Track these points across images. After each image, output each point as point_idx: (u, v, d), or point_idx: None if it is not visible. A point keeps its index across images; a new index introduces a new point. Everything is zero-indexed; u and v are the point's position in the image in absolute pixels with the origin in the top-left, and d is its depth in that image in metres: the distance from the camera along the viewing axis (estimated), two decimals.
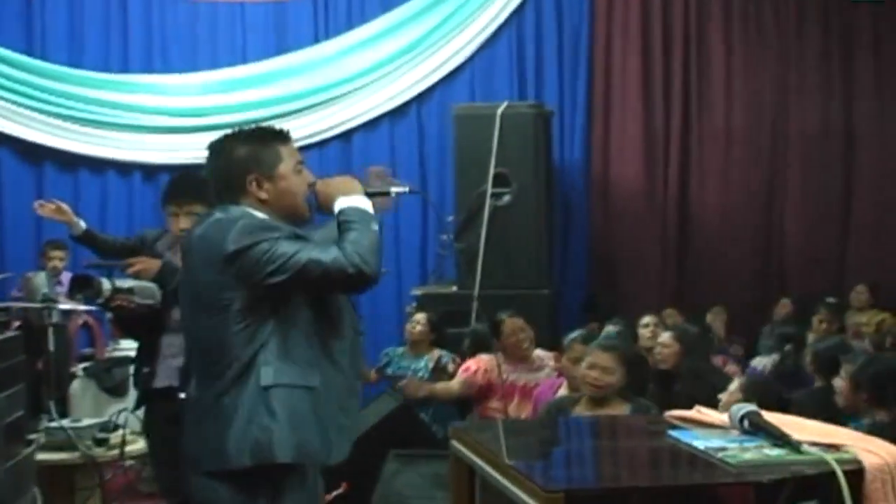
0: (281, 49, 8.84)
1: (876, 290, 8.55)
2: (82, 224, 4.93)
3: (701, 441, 2.38)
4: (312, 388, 2.68)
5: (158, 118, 8.52)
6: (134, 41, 8.73)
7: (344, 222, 2.69)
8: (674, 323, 6.80)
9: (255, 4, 8.83)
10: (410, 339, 6.58)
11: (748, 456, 2.25)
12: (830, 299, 7.37)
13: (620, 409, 4.35)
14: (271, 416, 2.63)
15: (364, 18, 8.85)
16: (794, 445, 2.28)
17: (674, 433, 2.49)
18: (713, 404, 4.17)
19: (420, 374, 6.35)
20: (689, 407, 2.80)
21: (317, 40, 8.87)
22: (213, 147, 2.88)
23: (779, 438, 2.33)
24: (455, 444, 2.76)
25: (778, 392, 4.55)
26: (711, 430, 2.51)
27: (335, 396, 2.72)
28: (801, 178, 8.95)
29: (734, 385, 4.41)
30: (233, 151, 2.81)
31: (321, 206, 2.83)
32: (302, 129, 8.56)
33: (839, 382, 4.59)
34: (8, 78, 8.36)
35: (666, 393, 5.08)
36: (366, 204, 2.73)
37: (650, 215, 8.89)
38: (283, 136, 2.86)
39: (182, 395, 4.06)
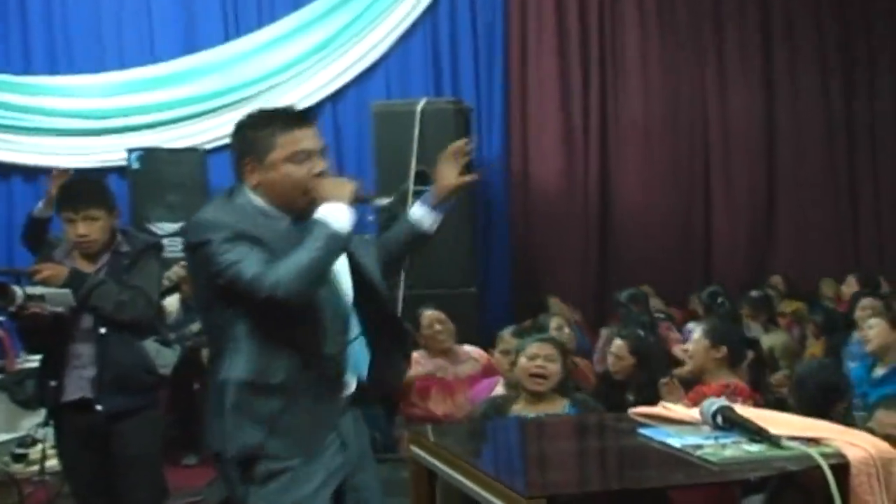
0: (190, 48, 8.61)
1: (791, 280, 8.72)
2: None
3: (675, 439, 2.31)
4: (273, 386, 2.63)
5: (65, 121, 8.22)
6: (35, 40, 8.41)
7: (306, 233, 2.60)
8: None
9: (161, 1, 8.59)
10: None
11: (728, 453, 2.18)
12: (753, 293, 7.45)
13: (559, 406, 4.31)
14: (223, 410, 2.65)
15: (274, 16, 8.68)
16: (773, 440, 2.23)
17: (645, 431, 2.42)
18: None
19: None
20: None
21: (227, 39, 8.66)
22: (236, 127, 2.83)
23: (756, 433, 2.28)
24: (414, 448, 2.66)
25: (741, 332, 4.56)
26: (683, 427, 2.45)
27: (302, 398, 2.64)
28: (723, 170, 9.06)
29: (698, 333, 4.38)
30: (240, 132, 2.76)
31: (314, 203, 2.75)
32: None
33: None
34: None
35: (618, 398, 5.02)
36: (338, 216, 2.58)
37: (571, 211, 8.89)
38: (285, 121, 2.71)
39: (99, 407, 3.91)
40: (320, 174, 2.68)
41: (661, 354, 5.55)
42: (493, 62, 8.86)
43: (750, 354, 4.88)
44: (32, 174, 8.26)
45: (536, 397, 4.30)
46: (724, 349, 4.45)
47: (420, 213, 3.00)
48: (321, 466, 2.67)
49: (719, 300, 6.31)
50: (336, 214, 2.58)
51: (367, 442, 2.90)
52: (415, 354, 5.77)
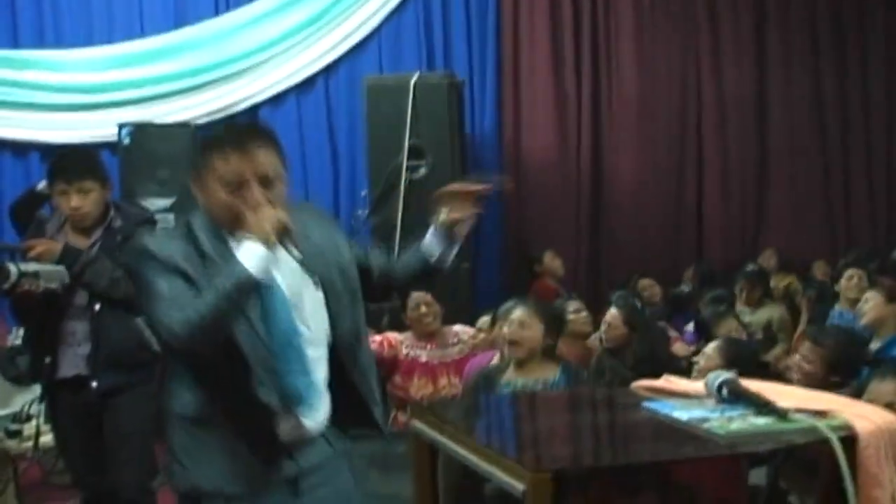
0: (180, 22, 8.51)
1: (783, 254, 8.72)
2: None
3: (681, 412, 2.29)
4: (201, 422, 2.51)
5: (54, 95, 8.12)
6: (23, 13, 8.30)
7: (217, 277, 2.41)
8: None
9: None
10: None
11: (735, 426, 2.16)
12: (750, 266, 7.45)
13: (550, 372, 4.33)
14: (170, 446, 2.58)
15: None
16: (780, 413, 2.21)
17: (650, 405, 2.40)
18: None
19: None
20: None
21: (218, 12, 8.57)
22: None
23: (762, 406, 2.26)
24: (416, 423, 2.64)
25: (756, 352, 4.53)
26: (687, 401, 2.43)
27: (232, 431, 2.48)
28: (715, 145, 9.05)
29: (710, 348, 4.36)
30: (197, 149, 2.66)
31: None
32: (206, 105, 8.31)
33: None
34: None
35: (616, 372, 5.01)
36: (250, 259, 2.37)
37: (564, 185, 8.86)
38: (228, 141, 2.50)
39: (94, 384, 3.89)
40: (256, 205, 2.43)
41: (658, 328, 5.54)
42: (485, 35, 8.80)
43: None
44: (22, 150, 8.19)
45: (522, 364, 4.32)
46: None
47: (429, 245, 2.82)
48: None
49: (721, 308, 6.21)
50: (251, 257, 2.38)
51: (353, 491, 2.74)
52: (399, 336, 5.76)
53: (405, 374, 5.59)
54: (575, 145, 8.88)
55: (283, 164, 2.53)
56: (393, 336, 5.77)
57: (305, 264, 2.56)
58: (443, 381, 5.55)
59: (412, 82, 7.33)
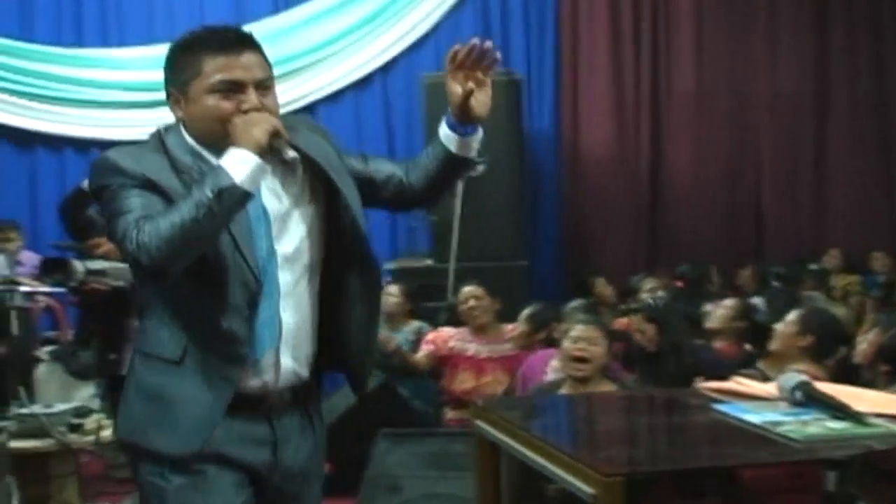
0: (239, 19, 8.49)
1: (846, 255, 8.58)
2: None
3: (753, 415, 2.24)
4: (171, 362, 2.24)
5: (116, 93, 8.23)
6: (87, 13, 8.43)
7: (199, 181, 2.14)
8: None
9: None
10: (386, 312, 6.45)
11: (811, 430, 2.10)
12: (812, 266, 7.34)
13: (607, 389, 4.24)
14: (126, 389, 2.35)
15: None
16: (857, 417, 2.15)
17: (720, 407, 2.35)
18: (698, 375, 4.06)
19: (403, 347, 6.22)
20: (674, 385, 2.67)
21: (276, 10, 8.63)
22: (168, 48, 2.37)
23: (839, 410, 2.20)
24: (479, 423, 2.60)
25: (838, 322, 4.41)
26: (758, 403, 2.38)
27: (203, 373, 2.23)
28: (775, 140, 8.93)
29: (792, 315, 4.24)
30: (169, 56, 2.31)
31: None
32: None
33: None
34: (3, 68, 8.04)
35: (653, 373, 4.96)
36: (237, 167, 2.10)
37: (622, 182, 8.80)
38: (216, 44, 2.22)
39: None
40: (247, 110, 2.19)
41: (681, 316, 5.46)
42: (543, 33, 8.77)
43: (842, 351, 4.57)
44: (83, 146, 8.30)
45: (581, 381, 4.24)
46: (810, 338, 4.21)
47: (445, 135, 2.43)
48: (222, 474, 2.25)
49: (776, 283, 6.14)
50: (236, 163, 2.11)
51: (318, 452, 2.45)
52: (452, 330, 5.75)
53: (451, 367, 5.61)
54: (633, 142, 8.82)
55: (271, 70, 2.29)
56: (445, 331, 5.78)
57: (296, 168, 2.30)
58: (487, 377, 5.53)
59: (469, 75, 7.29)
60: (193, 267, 2.15)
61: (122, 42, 8.40)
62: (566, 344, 4.31)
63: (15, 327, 5.53)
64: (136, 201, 2.15)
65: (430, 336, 5.83)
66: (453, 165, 2.45)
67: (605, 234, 8.71)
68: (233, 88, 2.20)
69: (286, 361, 2.32)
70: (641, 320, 5.18)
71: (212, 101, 2.21)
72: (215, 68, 2.20)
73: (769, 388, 2.48)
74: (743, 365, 4.62)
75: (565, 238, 8.80)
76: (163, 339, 2.27)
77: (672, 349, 5.09)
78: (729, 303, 5.60)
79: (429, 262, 7.39)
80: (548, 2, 8.77)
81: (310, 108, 8.55)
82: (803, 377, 2.38)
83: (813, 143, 8.98)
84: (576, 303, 5.55)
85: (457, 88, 2.40)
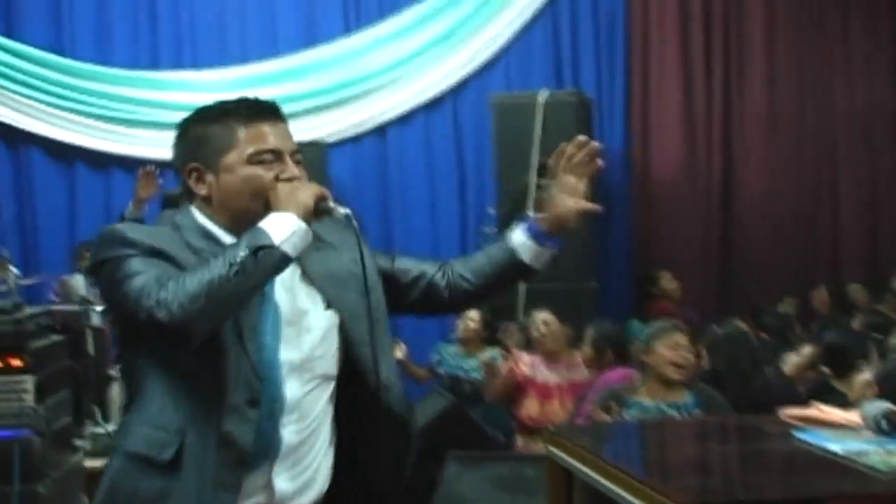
0: (311, 42, 8.66)
1: None
2: None
3: (835, 444, 2.18)
4: (162, 465, 2.00)
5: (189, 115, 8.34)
6: (163, 37, 8.56)
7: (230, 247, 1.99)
8: None
9: None
10: (463, 336, 6.44)
11: None
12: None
13: (682, 396, 4.25)
14: (99, 493, 2.09)
15: (396, 8, 8.65)
16: None
17: (801, 435, 2.29)
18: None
19: (473, 373, 6.21)
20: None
21: (348, 32, 8.68)
22: (177, 126, 2.20)
23: None
24: (552, 448, 2.58)
25: None
26: (840, 431, 2.32)
27: (199, 479, 1.99)
28: (849, 159, 8.75)
29: (867, 375, 4.18)
30: (184, 129, 2.15)
31: None
32: (335, 124, 8.42)
33: None
34: (37, 77, 8.20)
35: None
36: (278, 228, 1.97)
37: (693, 202, 8.69)
38: (247, 113, 2.11)
39: None
40: (289, 178, 2.07)
41: (741, 343, 5.36)
42: (614, 52, 8.72)
43: None
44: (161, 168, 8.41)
45: (662, 387, 4.26)
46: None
47: (520, 241, 2.26)
48: None
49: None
50: (277, 225, 1.96)
51: None
52: (528, 356, 5.72)
53: (520, 393, 5.58)
54: (705, 162, 8.72)
55: None
56: (520, 356, 5.73)
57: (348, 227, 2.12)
58: (553, 405, 5.50)
59: (540, 100, 7.28)
60: (193, 358, 1.98)
61: (195, 65, 8.52)
62: (664, 351, 4.29)
63: (90, 347, 5.62)
64: (149, 266, 1.98)
65: (507, 368, 5.77)
66: (516, 274, 2.30)
67: (676, 254, 8.60)
68: (271, 159, 2.08)
69: (281, 484, 2.07)
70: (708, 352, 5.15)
71: (250, 171, 2.06)
72: (253, 137, 2.08)
73: (852, 416, 2.41)
74: (818, 389, 4.53)
75: (635, 259, 8.70)
76: (152, 438, 2.02)
77: (733, 374, 5.00)
78: (805, 351, 5.45)
79: None
80: (618, 21, 8.71)
81: (380, 129, 8.60)
82: (889, 405, 2.31)
83: (891, 160, 8.78)
84: (662, 323, 5.47)
85: (569, 201, 2.24)
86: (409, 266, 2.32)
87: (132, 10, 8.55)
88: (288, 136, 2.13)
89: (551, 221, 2.25)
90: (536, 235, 2.25)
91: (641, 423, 3.80)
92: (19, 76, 8.19)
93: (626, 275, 8.63)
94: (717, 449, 2.44)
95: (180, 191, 2.19)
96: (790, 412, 2.57)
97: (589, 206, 2.28)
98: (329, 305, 2.14)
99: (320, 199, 2.04)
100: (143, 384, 2.07)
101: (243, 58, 8.57)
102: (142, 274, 1.96)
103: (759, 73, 8.76)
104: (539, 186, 7.15)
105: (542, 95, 7.36)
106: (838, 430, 2.36)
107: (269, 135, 2.09)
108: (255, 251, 1.93)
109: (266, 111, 2.13)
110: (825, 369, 5.05)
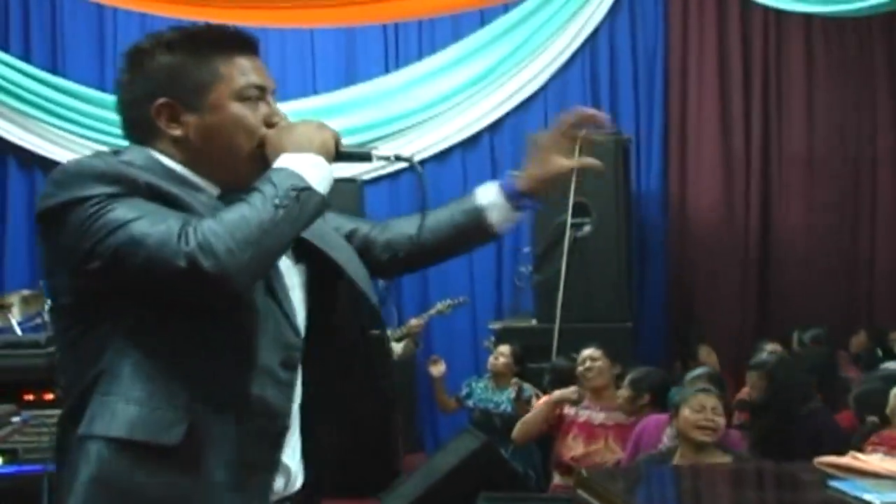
0: (351, 79, 8.74)
1: None
2: None
3: (873, 495, 2.14)
4: (165, 448, 1.66)
5: None
6: None
7: (252, 188, 1.69)
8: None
9: (324, 33, 8.73)
10: (494, 371, 6.44)
11: None
12: None
13: (721, 460, 4.16)
14: (72, 487, 1.68)
15: (434, 48, 8.72)
16: None
17: (836, 484, 2.25)
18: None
19: (503, 407, 6.20)
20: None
21: (387, 70, 8.76)
22: (127, 55, 1.85)
23: None
24: (580, 491, 2.54)
25: None
26: (879, 482, 2.27)
27: (222, 460, 1.69)
28: (888, 202, 8.63)
29: None
30: (146, 62, 1.81)
31: (265, 164, 1.79)
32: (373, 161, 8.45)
33: None
34: (78, 112, 8.33)
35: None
36: (308, 169, 1.72)
37: (730, 244, 8.62)
38: (231, 43, 1.84)
39: None
40: (270, 126, 1.82)
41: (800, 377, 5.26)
42: (652, 93, 8.71)
43: None
44: None
45: (696, 451, 4.17)
46: None
47: (491, 200, 2.03)
48: None
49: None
50: (307, 167, 1.72)
51: None
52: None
53: (563, 433, 5.48)
54: (743, 204, 8.65)
55: None
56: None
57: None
58: (597, 444, 5.37)
59: (578, 140, 7.24)
60: (196, 318, 1.68)
61: None
62: (688, 414, 4.21)
63: None
64: (141, 206, 1.65)
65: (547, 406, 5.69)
66: (475, 238, 2.07)
67: (713, 296, 8.53)
68: (257, 95, 1.84)
69: (287, 462, 1.84)
70: (758, 378, 5.05)
71: (241, 109, 1.81)
72: (238, 71, 1.82)
73: (891, 466, 2.36)
74: (865, 436, 4.45)
75: (672, 300, 8.65)
76: (147, 419, 1.67)
77: (781, 414, 4.92)
78: None
79: (533, 322, 7.33)
80: (656, 61, 8.70)
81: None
82: None
83: None
84: (698, 371, 5.39)
85: (562, 160, 2.08)
86: (340, 222, 2.08)
87: None
88: (267, 70, 1.90)
89: (535, 180, 2.06)
90: (512, 195, 2.04)
91: (676, 469, 3.74)
92: (62, 111, 8.31)
93: (662, 316, 8.57)
94: (750, 497, 2.40)
95: (132, 131, 1.84)
96: (825, 460, 2.53)
97: (590, 161, 2.15)
98: (298, 260, 1.88)
99: (339, 141, 1.83)
100: (113, 358, 1.69)
101: (283, 95, 8.57)
102: (143, 217, 1.62)
103: (798, 115, 8.69)
104: (574, 226, 7.13)
105: (579, 134, 7.32)
106: (877, 479, 2.31)
107: (253, 69, 1.85)
108: (298, 194, 1.67)
109: (246, 43, 1.87)
110: (873, 417, 4.96)
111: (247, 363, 1.72)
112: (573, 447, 5.41)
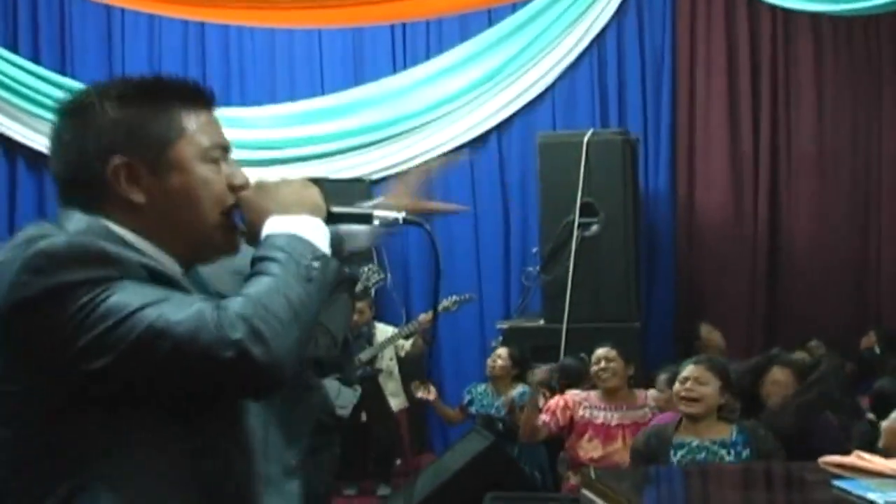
0: (359, 79, 8.75)
1: None
2: None
3: (877, 494, 2.14)
4: None
5: (237, 152, 8.26)
6: (212, 74, 8.67)
7: (260, 259, 1.49)
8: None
9: (332, 33, 8.74)
10: (491, 374, 6.42)
11: None
12: None
13: (725, 433, 4.17)
14: None
15: (442, 47, 8.72)
16: None
17: (840, 483, 2.26)
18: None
19: (504, 411, 6.15)
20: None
21: (395, 70, 8.76)
22: (68, 109, 1.58)
23: None
24: (586, 492, 2.55)
25: None
26: (883, 481, 2.27)
27: None
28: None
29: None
30: (94, 116, 1.55)
31: (248, 230, 1.61)
32: (381, 161, 8.48)
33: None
34: None
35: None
36: (313, 233, 1.54)
37: (739, 244, 8.59)
38: (191, 96, 1.61)
39: None
40: (239, 188, 1.62)
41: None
42: (660, 92, 8.69)
43: None
44: None
45: (695, 422, 4.19)
46: None
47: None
48: None
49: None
50: (310, 230, 1.54)
51: None
52: (582, 394, 5.61)
53: (578, 434, 5.46)
54: (751, 203, 8.62)
55: None
56: (571, 395, 5.62)
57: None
58: (615, 445, 5.35)
59: (585, 139, 7.28)
60: (190, 419, 1.46)
61: (244, 102, 8.63)
62: (676, 386, 4.30)
63: None
64: (144, 291, 1.42)
65: (552, 404, 5.67)
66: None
67: (721, 296, 8.51)
68: (221, 156, 1.62)
69: None
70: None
71: (206, 171, 1.58)
72: (203, 127, 1.60)
73: (894, 465, 2.37)
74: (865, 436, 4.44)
75: (680, 300, 8.63)
76: None
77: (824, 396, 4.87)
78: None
79: (541, 322, 7.32)
80: (664, 60, 8.68)
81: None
82: None
83: None
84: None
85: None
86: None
87: (181, 47, 8.69)
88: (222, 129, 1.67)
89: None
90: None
91: (684, 470, 3.74)
92: None
93: (670, 316, 8.55)
94: (758, 497, 2.40)
95: (75, 195, 1.56)
96: (830, 459, 2.53)
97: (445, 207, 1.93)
98: None
99: (330, 202, 1.64)
100: (84, 484, 1.40)
101: (291, 95, 8.67)
102: (160, 303, 1.40)
103: (807, 115, 8.66)
104: (581, 226, 7.12)
105: (588, 135, 7.34)
106: (881, 479, 2.31)
107: (215, 126, 1.64)
108: (319, 262, 1.49)
109: (206, 95, 1.64)
110: (871, 416, 4.95)
111: (238, 478, 1.52)
112: (590, 449, 5.40)
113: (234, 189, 1.62)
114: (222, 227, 1.59)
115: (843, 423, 5.11)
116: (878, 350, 7.38)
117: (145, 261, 1.48)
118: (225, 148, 1.64)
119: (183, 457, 1.45)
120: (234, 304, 1.40)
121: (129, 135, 1.54)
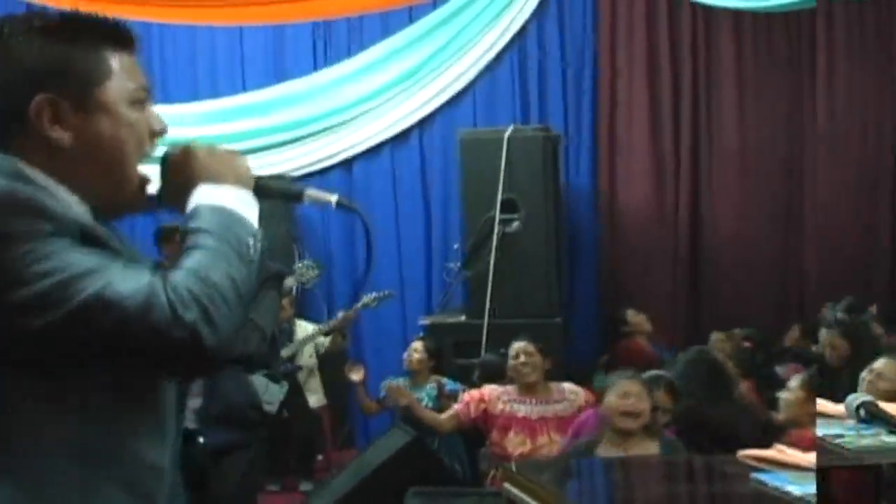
0: (280, 76, 8.69)
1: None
2: None
3: (795, 486, 2.19)
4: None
5: (160, 150, 8.29)
6: None
7: (193, 232, 1.44)
8: None
9: (253, 30, 8.67)
10: (409, 368, 6.42)
11: (865, 443, 2.09)
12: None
13: (648, 447, 4.19)
14: None
15: (363, 45, 8.70)
16: None
17: (759, 476, 2.30)
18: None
19: (423, 403, 6.14)
20: None
21: (316, 67, 8.72)
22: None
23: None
24: (508, 486, 2.57)
25: (846, 385, 4.35)
26: (801, 473, 2.32)
27: None
28: (822, 202, 8.70)
29: (795, 382, 4.21)
30: (16, 47, 1.45)
31: (168, 194, 1.57)
32: (303, 158, 8.43)
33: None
34: None
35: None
36: (245, 208, 1.49)
37: (661, 240, 8.68)
38: (119, 36, 1.53)
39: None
40: (160, 132, 1.58)
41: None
42: (581, 89, 8.75)
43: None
44: None
45: (623, 438, 4.19)
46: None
47: None
48: None
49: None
50: (244, 206, 1.49)
51: None
52: (499, 389, 5.63)
53: (501, 429, 5.47)
54: (673, 199, 8.72)
55: None
56: (489, 390, 5.63)
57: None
58: (542, 439, 5.38)
59: (506, 136, 7.30)
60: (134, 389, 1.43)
61: (166, 99, 8.49)
62: (612, 399, 4.26)
63: None
64: (84, 250, 1.36)
65: (467, 396, 5.69)
66: None
67: (644, 292, 8.58)
68: (145, 99, 1.57)
69: None
70: (834, 336, 5.15)
71: (132, 114, 1.52)
72: (129, 70, 1.53)
73: (811, 458, 2.42)
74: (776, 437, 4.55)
75: (603, 295, 8.70)
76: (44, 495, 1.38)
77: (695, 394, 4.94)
78: (794, 383, 4.83)
79: (463, 318, 7.35)
80: (585, 57, 8.75)
81: (347, 164, 8.62)
82: (868, 397, 2.37)
83: (864, 202, 8.71)
84: (619, 373, 5.47)
85: None
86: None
87: None
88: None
89: None
90: None
91: (607, 462, 3.78)
92: None
93: (593, 312, 8.62)
94: (670, 490, 2.44)
95: None
96: (749, 453, 2.58)
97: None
98: None
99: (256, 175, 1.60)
100: (7, 441, 1.37)
101: (213, 93, 8.58)
102: (102, 271, 1.33)
103: (728, 113, 8.74)
104: (502, 222, 7.16)
105: (509, 131, 7.38)
106: (798, 472, 2.37)
107: (139, 67, 1.56)
108: (255, 242, 1.45)
109: (131, 39, 1.56)
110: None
111: (163, 440, 1.54)
112: (519, 444, 5.40)
113: (154, 134, 1.58)
114: (137, 181, 1.54)
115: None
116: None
117: (80, 220, 1.41)
118: (148, 90, 1.57)
119: (75, 425, 1.40)
120: (185, 281, 1.34)
121: (56, 71, 1.46)
